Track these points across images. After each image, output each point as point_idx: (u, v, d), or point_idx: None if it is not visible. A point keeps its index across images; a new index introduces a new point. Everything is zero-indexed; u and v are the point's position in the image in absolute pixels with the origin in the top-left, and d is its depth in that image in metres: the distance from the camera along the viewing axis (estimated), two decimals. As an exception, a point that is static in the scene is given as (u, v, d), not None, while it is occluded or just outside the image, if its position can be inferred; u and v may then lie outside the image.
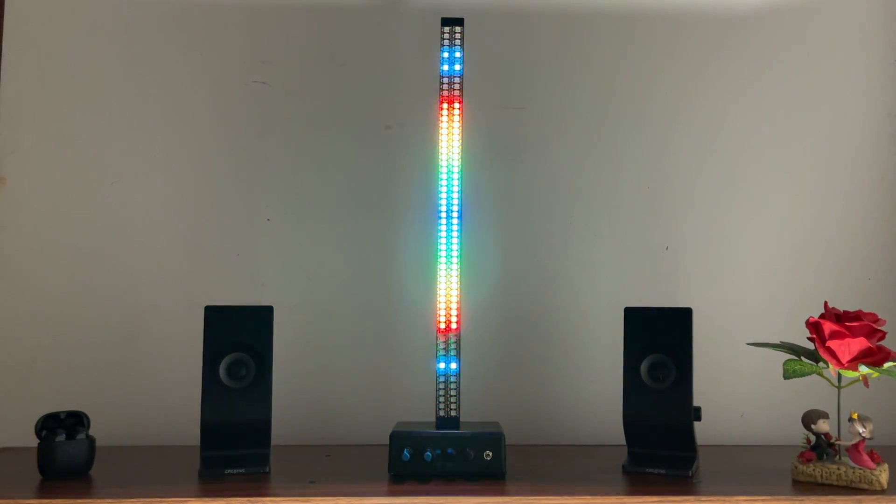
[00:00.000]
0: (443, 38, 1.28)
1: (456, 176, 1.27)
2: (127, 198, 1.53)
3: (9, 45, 1.54)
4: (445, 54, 1.27)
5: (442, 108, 1.28)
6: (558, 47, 1.59)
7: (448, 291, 1.26)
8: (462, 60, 1.27)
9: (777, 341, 1.27)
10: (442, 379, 1.25)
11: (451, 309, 1.26)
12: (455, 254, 1.26)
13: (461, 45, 1.27)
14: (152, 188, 1.54)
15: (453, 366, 1.25)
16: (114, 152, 1.54)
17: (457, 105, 1.27)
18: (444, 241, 1.26)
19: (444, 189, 1.27)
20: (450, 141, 1.28)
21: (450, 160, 1.27)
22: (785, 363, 1.18)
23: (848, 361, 1.16)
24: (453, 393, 1.25)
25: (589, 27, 1.60)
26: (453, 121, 1.27)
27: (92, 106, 1.54)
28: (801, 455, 1.20)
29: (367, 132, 1.56)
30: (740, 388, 1.54)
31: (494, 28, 1.57)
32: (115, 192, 1.53)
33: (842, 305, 1.24)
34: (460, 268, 1.27)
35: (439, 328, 1.26)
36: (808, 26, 1.61)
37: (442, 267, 1.27)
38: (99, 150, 1.54)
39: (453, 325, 1.26)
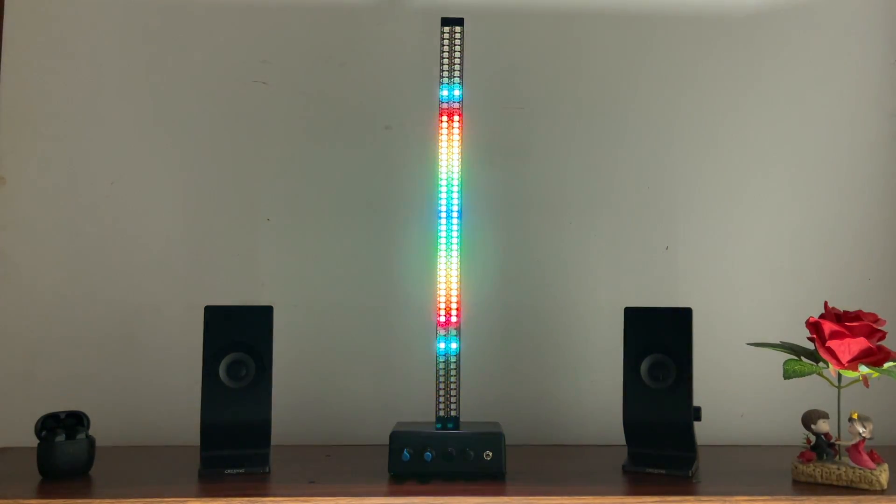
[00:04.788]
0: (443, 38, 1.28)
1: (456, 176, 1.27)
2: (127, 198, 1.53)
3: (9, 45, 1.53)
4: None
5: (442, 110, 1.28)
6: (558, 47, 1.59)
7: (448, 292, 1.26)
8: (462, 64, 1.27)
9: (777, 341, 1.27)
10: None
11: (450, 306, 1.26)
12: (455, 254, 1.26)
13: (461, 45, 1.27)
14: (152, 188, 1.54)
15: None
16: (114, 152, 1.54)
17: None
18: (443, 241, 1.27)
19: (443, 189, 1.27)
20: (449, 142, 1.28)
21: (449, 160, 1.27)
22: (785, 363, 1.18)
23: (848, 361, 1.16)
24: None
25: (589, 27, 1.60)
26: (453, 122, 1.27)
27: (92, 106, 1.54)
28: (801, 455, 1.20)
29: (367, 132, 1.56)
30: (740, 388, 1.54)
31: (494, 28, 1.57)
32: (115, 192, 1.53)
33: (842, 305, 1.24)
34: (460, 268, 1.27)
35: (439, 321, 1.26)
36: (808, 26, 1.61)
37: (442, 267, 1.27)
38: (99, 150, 1.53)
39: (453, 319, 1.26)
